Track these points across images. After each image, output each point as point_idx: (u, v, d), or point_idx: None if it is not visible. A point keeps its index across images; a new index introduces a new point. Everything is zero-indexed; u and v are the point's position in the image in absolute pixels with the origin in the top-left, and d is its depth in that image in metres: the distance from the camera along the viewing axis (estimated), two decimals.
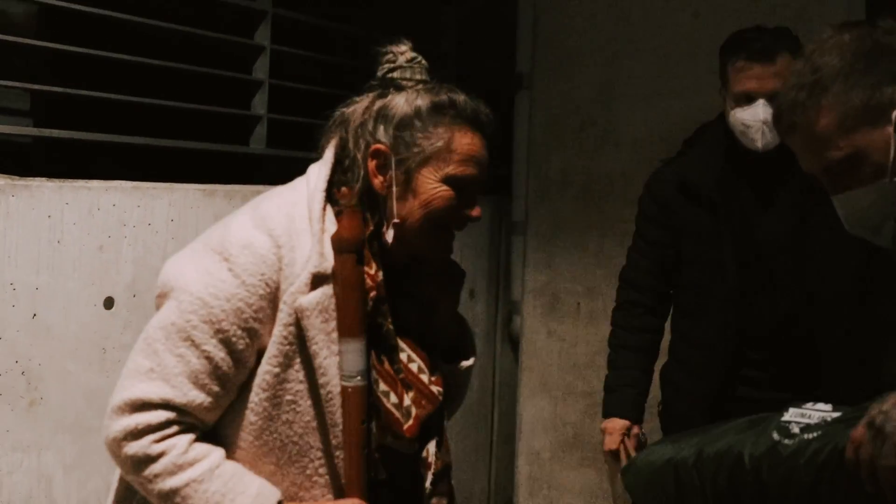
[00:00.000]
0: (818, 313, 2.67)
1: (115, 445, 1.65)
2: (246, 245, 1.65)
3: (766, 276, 2.77)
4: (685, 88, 4.08)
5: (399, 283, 1.80)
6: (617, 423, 2.90)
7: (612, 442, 2.88)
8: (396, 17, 4.20)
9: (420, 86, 1.75)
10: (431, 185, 1.71)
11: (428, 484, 1.78)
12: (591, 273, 4.34)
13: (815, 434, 1.89)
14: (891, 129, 1.65)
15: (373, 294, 1.68)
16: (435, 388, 1.78)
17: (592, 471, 4.34)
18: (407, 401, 1.72)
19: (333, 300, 1.65)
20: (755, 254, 2.77)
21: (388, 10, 4.20)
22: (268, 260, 1.64)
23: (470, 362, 1.95)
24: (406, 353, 1.78)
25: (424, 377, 1.78)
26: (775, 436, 1.93)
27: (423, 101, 1.72)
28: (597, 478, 4.33)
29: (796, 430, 1.93)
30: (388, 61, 1.78)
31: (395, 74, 1.76)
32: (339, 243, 1.67)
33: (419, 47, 1.82)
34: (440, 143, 1.70)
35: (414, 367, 1.78)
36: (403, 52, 1.79)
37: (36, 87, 2.93)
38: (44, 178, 2.79)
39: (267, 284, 1.64)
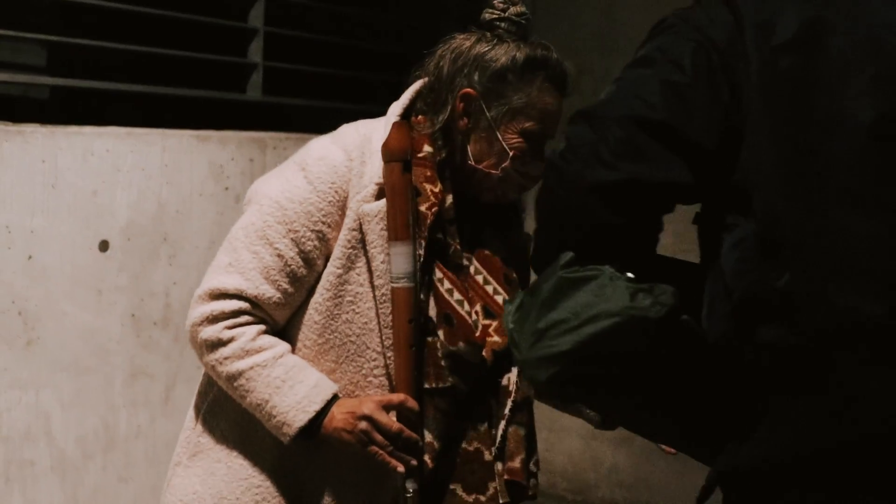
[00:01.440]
0: None
1: (194, 330, 1.81)
2: (321, 157, 1.81)
3: None
4: None
5: (487, 220, 1.94)
6: None
7: None
8: None
9: (521, 41, 1.86)
10: (509, 135, 1.83)
11: (507, 410, 1.90)
12: None
13: None
14: None
15: (434, 210, 1.81)
16: None
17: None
18: (474, 316, 1.86)
19: None
20: None
21: None
22: (339, 170, 1.80)
23: None
24: (492, 285, 1.91)
25: None
26: None
27: (519, 55, 1.83)
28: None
29: None
30: (498, 9, 1.89)
31: (502, 25, 1.87)
32: (386, 152, 1.80)
33: None
34: (526, 99, 1.83)
35: (500, 299, 1.90)
36: (516, 4, 1.89)
37: (41, 36, 2.99)
38: (37, 124, 2.85)
39: (336, 192, 1.79)
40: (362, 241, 1.79)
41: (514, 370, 1.91)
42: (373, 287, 1.80)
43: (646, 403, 1.53)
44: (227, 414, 1.88)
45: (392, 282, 1.78)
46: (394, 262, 1.78)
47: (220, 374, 1.80)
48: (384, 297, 1.79)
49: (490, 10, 1.89)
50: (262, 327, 1.81)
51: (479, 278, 1.90)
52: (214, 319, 1.78)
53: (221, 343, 1.78)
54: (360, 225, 1.78)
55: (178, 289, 3.18)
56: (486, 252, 1.93)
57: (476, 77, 1.83)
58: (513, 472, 1.90)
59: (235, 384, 1.79)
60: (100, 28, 3.16)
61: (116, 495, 3.07)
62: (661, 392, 1.50)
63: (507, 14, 1.87)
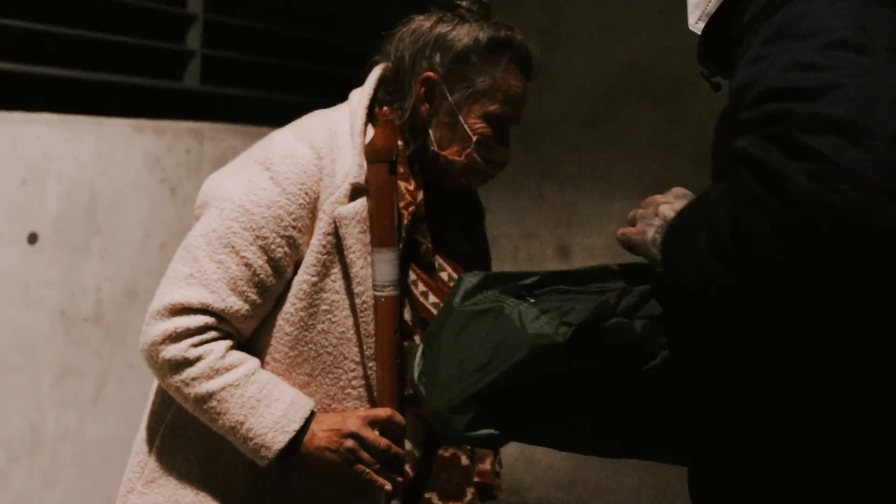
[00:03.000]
0: None
1: (153, 350, 1.66)
2: (288, 155, 1.68)
3: None
4: (624, 32, 4.06)
5: (449, 211, 1.85)
6: None
7: None
8: None
9: (483, 22, 1.78)
10: (473, 120, 1.75)
11: None
12: (528, 217, 4.34)
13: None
14: None
15: (411, 209, 1.72)
16: None
17: None
18: None
19: None
20: None
21: None
22: (308, 170, 1.68)
23: None
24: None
25: None
26: None
27: (483, 36, 1.75)
28: None
29: None
30: None
31: (463, 4, 1.79)
32: (372, 153, 1.70)
33: None
34: (490, 82, 1.74)
35: None
36: None
37: None
38: None
39: (307, 194, 1.67)
40: (338, 247, 1.68)
41: None
42: (350, 294, 1.69)
43: (586, 422, 1.44)
44: (190, 436, 1.75)
45: (376, 290, 1.69)
46: (378, 270, 1.68)
47: (188, 396, 1.67)
48: (365, 306, 1.69)
49: None
50: (229, 342, 1.69)
51: (444, 275, 1.82)
52: (178, 337, 1.65)
53: (188, 362, 1.65)
54: (336, 229, 1.67)
55: (109, 284, 3.05)
56: (451, 247, 1.85)
57: (438, 59, 1.75)
58: (484, 475, 1.86)
59: (205, 406, 1.66)
60: (31, 10, 3.01)
61: (42, 501, 2.93)
62: (599, 406, 1.42)
63: None
